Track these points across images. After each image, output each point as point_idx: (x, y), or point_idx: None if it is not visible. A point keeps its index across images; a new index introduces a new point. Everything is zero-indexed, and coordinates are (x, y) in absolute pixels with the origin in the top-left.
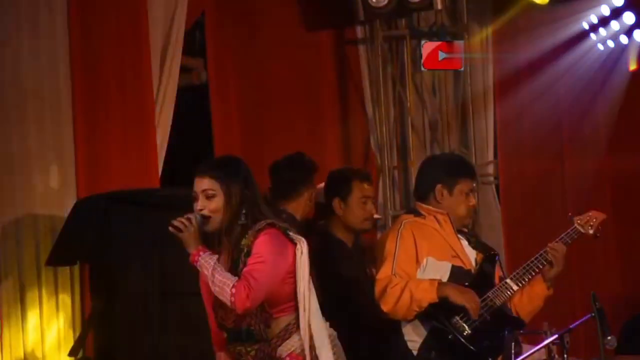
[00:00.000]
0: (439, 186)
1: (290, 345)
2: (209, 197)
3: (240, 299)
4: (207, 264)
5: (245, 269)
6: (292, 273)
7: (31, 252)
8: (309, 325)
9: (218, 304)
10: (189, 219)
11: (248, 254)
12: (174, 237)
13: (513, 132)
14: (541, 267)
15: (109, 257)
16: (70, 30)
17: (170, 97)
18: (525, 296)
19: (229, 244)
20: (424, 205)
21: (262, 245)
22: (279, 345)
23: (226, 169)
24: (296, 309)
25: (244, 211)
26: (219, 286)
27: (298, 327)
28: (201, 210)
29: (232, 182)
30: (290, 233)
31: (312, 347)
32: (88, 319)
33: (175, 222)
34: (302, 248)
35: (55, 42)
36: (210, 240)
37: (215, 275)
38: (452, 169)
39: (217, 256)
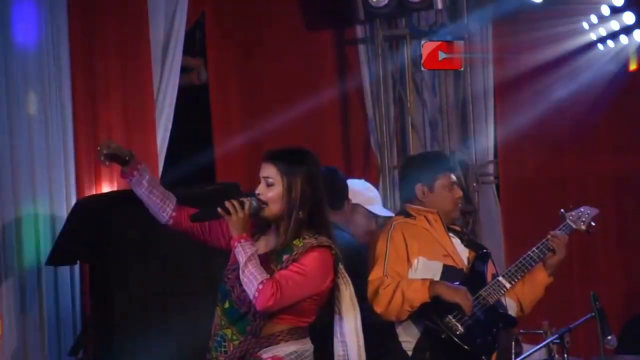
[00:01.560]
0: (418, 185)
1: (276, 351)
2: (269, 185)
3: (265, 297)
4: (245, 252)
5: (283, 271)
6: (319, 296)
7: (31, 252)
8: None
9: (239, 278)
10: (241, 203)
11: (295, 259)
12: (181, 234)
13: (513, 132)
14: (533, 263)
15: (109, 257)
16: (70, 30)
17: (170, 97)
18: (527, 285)
19: (281, 233)
20: (412, 206)
21: (312, 261)
22: (266, 346)
23: (291, 161)
24: (304, 324)
25: (302, 207)
26: (248, 277)
27: (291, 339)
28: (259, 195)
29: (293, 175)
30: (341, 266)
31: None
32: (88, 319)
33: (227, 204)
34: (348, 285)
35: (56, 42)
36: (259, 226)
37: (248, 266)
38: (429, 166)
39: (256, 248)
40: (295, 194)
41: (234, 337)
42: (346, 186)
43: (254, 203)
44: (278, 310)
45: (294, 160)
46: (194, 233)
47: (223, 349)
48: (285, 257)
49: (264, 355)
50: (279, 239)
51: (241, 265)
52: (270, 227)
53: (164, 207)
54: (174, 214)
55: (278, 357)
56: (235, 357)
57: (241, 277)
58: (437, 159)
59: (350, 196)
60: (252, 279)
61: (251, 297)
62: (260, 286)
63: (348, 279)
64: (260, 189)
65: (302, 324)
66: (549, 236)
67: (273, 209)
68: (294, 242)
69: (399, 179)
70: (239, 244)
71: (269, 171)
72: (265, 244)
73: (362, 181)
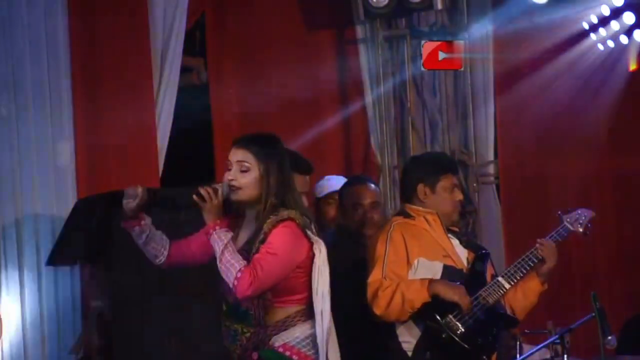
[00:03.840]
0: (420, 185)
1: (285, 337)
2: (243, 171)
3: (243, 285)
4: (220, 240)
5: (255, 256)
6: (303, 268)
7: (31, 252)
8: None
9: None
10: (215, 190)
11: (263, 241)
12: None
13: (513, 132)
14: (532, 264)
15: (109, 257)
16: (70, 30)
17: (170, 97)
18: (519, 292)
19: (256, 219)
20: (412, 207)
21: (278, 237)
22: (275, 334)
23: (266, 145)
24: (303, 304)
25: (275, 192)
26: (225, 266)
27: (299, 321)
28: (231, 180)
29: (269, 160)
30: (309, 232)
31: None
32: (88, 319)
33: (202, 191)
34: (320, 249)
35: (56, 42)
36: (230, 210)
37: (225, 254)
38: (432, 167)
39: (231, 234)
40: (272, 180)
41: (244, 331)
42: None
43: (226, 189)
44: (265, 294)
45: (268, 144)
46: (188, 262)
47: (237, 342)
48: (256, 244)
49: (276, 344)
50: (254, 225)
51: (217, 254)
52: (242, 217)
53: (157, 254)
54: (166, 256)
55: (288, 345)
56: (249, 348)
57: (219, 265)
58: (440, 160)
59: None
60: (229, 267)
61: (230, 285)
62: (239, 274)
63: (321, 242)
64: (233, 175)
65: (301, 303)
66: (537, 244)
67: (246, 194)
68: (263, 226)
69: (401, 178)
70: (214, 232)
71: (244, 156)
72: (242, 233)
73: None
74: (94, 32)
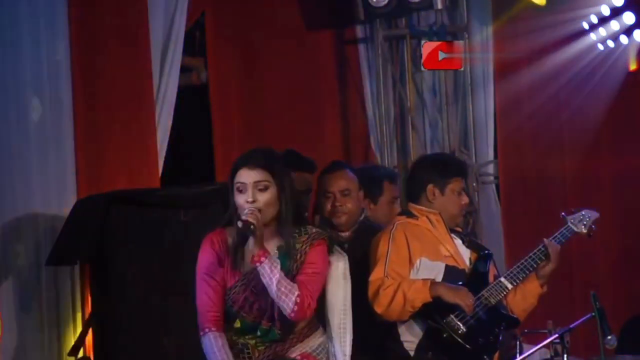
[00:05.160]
0: (430, 186)
1: (303, 347)
2: (261, 190)
3: (303, 309)
4: (271, 270)
5: (302, 278)
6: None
7: (31, 252)
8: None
9: (248, 298)
10: (253, 213)
11: (303, 261)
12: (189, 237)
13: (513, 132)
14: (535, 265)
15: (109, 257)
16: (70, 30)
17: (170, 97)
18: (519, 294)
19: (282, 236)
20: (416, 206)
21: (319, 256)
22: (294, 345)
23: (276, 161)
24: (315, 314)
25: (291, 205)
26: (283, 292)
27: (313, 331)
28: (254, 202)
29: (284, 175)
30: (337, 247)
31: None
32: (88, 319)
33: (249, 218)
34: (340, 262)
35: (56, 42)
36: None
37: (281, 282)
38: (443, 168)
39: (279, 261)
40: (288, 192)
41: (258, 344)
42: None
43: (257, 213)
44: None
45: (277, 159)
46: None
47: (247, 355)
48: (288, 262)
49: (294, 354)
50: (279, 242)
51: (273, 281)
52: (258, 236)
53: None
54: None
55: (306, 354)
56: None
57: (274, 292)
58: (451, 163)
59: None
60: (288, 294)
61: (288, 311)
62: (299, 299)
63: (345, 256)
64: (252, 196)
65: (314, 313)
66: (544, 243)
67: (270, 212)
68: (296, 246)
69: (407, 177)
70: (263, 261)
71: (261, 175)
72: (260, 251)
73: None
74: (94, 32)
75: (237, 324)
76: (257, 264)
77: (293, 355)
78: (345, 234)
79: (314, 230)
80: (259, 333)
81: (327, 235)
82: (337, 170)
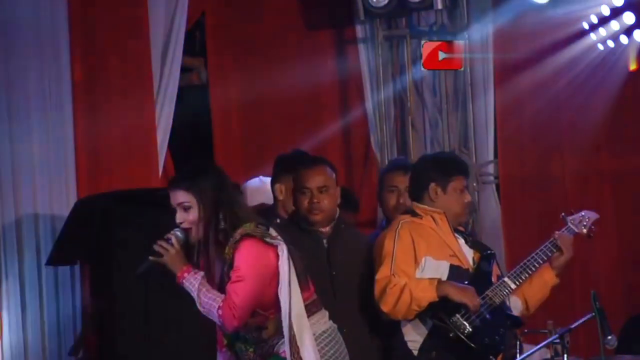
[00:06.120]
0: (432, 185)
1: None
2: (186, 209)
3: (228, 319)
4: (192, 285)
5: (228, 287)
6: (272, 279)
7: (31, 252)
8: (290, 322)
9: None
10: (167, 240)
11: (231, 266)
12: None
13: (513, 132)
14: (538, 265)
15: (109, 256)
16: (71, 29)
17: (170, 97)
18: (535, 284)
19: (214, 252)
20: (419, 205)
21: (241, 258)
22: (277, 342)
23: (196, 178)
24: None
25: (221, 216)
26: (205, 307)
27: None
28: (181, 223)
29: (204, 190)
30: (268, 239)
31: (293, 338)
32: (88, 319)
33: (155, 247)
34: (283, 250)
35: (56, 42)
36: (194, 252)
37: (201, 297)
38: (445, 167)
39: (201, 274)
40: (211, 208)
41: (248, 347)
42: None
43: (179, 233)
44: (255, 313)
45: (197, 174)
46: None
47: (245, 357)
48: (225, 272)
49: (280, 350)
50: (218, 257)
51: (196, 299)
52: (207, 252)
53: None
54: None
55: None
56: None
57: (200, 309)
58: (453, 162)
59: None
60: (210, 309)
61: (217, 322)
62: (220, 311)
63: (283, 243)
64: (180, 217)
65: None
66: (555, 235)
67: (198, 230)
68: (225, 252)
69: (410, 177)
70: (184, 280)
71: (181, 196)
72: (214, 267)
73: (258, 179)
74: (94, 32)
75: (224, 338)
76: (182, 283)
77: (280, 351)
78: (325, 229)
79: (237, 232)
80: (241, 339)
81: (249, 233)
82: (315, 165)
